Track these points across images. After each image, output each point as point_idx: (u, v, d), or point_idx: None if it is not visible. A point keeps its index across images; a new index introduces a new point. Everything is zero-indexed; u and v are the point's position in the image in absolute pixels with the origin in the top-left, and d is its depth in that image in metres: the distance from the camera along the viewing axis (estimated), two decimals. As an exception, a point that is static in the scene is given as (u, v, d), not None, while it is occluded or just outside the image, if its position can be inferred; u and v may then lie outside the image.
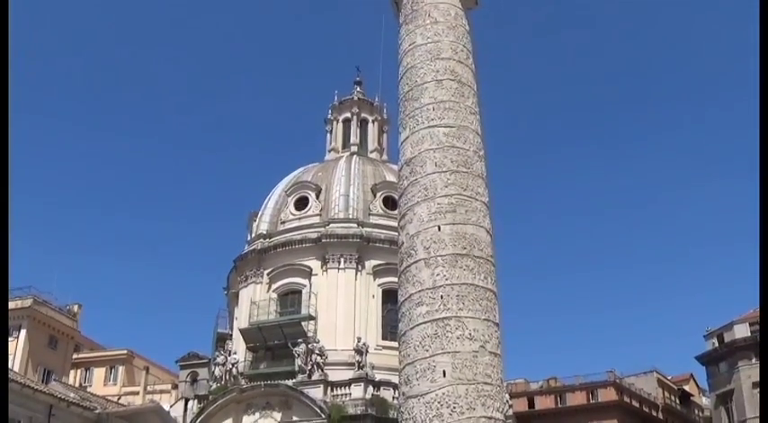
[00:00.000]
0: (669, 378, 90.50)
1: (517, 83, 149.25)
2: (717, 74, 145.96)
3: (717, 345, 74.68)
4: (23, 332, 54.65)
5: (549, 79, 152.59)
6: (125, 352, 67.02)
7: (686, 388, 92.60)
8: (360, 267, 51.93)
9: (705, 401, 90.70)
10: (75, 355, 62.25)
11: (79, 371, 65.40)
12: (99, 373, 66.25)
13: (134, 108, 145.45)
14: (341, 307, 50.66)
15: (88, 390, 54.97)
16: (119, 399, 54.62)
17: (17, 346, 53.90)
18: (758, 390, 67.56)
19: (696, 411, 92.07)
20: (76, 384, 58.17)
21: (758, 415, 66.92)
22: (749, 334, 71.74)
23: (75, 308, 60.51)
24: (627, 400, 78.89)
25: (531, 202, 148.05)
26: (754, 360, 70.14)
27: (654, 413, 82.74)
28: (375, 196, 55.46)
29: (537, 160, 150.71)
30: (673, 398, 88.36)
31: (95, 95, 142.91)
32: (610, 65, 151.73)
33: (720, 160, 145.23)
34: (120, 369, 65.95)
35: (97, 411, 41.29)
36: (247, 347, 51.52)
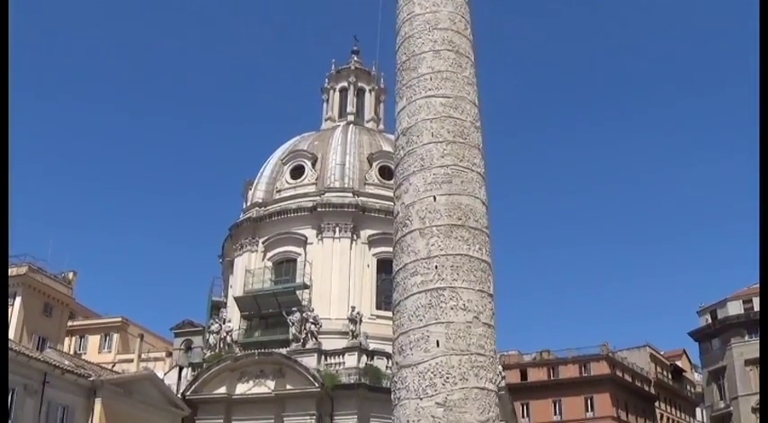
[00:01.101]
0: (662, 353, 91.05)
1: (516, 56, 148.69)
2: (716, 53, 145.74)
3: (710, 321, 74.91)
4: (18, 300, 54.47)
5: (549, 53, 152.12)
6: (119, 319, 67.07)
7: (679, 363, 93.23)
8: (355, 237, 51.91)
9: (697, 377, 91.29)
10: (69, 323, 62.18)
11: (74, 338, 65.47)
12: (93, 340, 66.36)
13: (130, 79, 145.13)
14: (335, 276, 50.70)
15: (83, 357, 54.89)
16: (113, 366, 54.70)
17: (12, 314, 53.83)
18: (750, 367, 67.92)
19: (688, 387, 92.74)
20: (71, 352, 58.17)
21: (750, 392, 67.39)
22: (742, 311, 71.97)
23: (71, 275, 60.32)
24: (619, 373, 79.46)
25: (527, 175, 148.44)
26: (746, 337, 70.42)
27: (646, 387, 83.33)
28: (371, 166, 55.34)
29: (535, 133, 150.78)
30: (665, 373, 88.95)
31: (90, 66, 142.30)
32: (610, 40, 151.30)
33: (716, 139, 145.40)
34: (115, 337, 66.02)
35: (92, 379, 41.30)
36: (242, 316, 51.60)
